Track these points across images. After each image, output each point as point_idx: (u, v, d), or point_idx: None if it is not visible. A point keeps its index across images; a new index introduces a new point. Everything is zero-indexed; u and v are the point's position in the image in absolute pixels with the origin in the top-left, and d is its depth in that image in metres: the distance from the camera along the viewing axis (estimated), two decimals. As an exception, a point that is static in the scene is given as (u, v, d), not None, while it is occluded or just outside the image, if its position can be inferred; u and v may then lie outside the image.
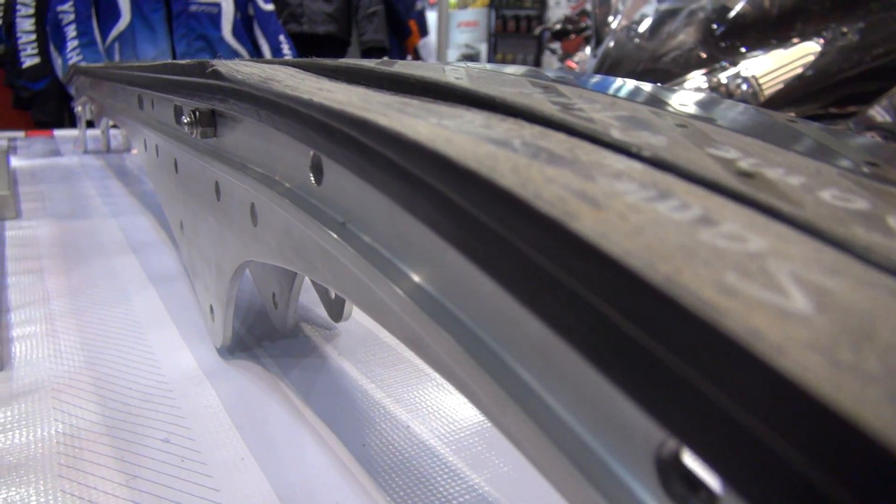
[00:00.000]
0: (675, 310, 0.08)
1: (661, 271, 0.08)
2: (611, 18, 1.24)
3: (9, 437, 0.32)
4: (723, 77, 1.04)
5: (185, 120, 0.33)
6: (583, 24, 4.12)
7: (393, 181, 0.15)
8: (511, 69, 0.24)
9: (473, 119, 0.15)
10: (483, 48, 5.60)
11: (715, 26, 1.05)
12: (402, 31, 2.93)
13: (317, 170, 0.22)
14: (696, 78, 1.05)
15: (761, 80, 1.00)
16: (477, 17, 5.67)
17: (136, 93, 0.56)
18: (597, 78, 0.22)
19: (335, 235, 0.20)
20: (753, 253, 0.09)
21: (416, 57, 3.14)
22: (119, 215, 0.75)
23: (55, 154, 1.19)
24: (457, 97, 0.18)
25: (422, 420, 0.34)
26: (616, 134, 0.14)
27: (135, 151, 1.22)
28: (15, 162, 1.08)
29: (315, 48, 2.58)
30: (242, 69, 0.25)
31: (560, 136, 0.14)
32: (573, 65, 3.49)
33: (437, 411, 0.35)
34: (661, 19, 1.12)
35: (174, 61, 0.33)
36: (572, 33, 4.03)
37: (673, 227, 0.10)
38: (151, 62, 0.49)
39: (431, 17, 3.44)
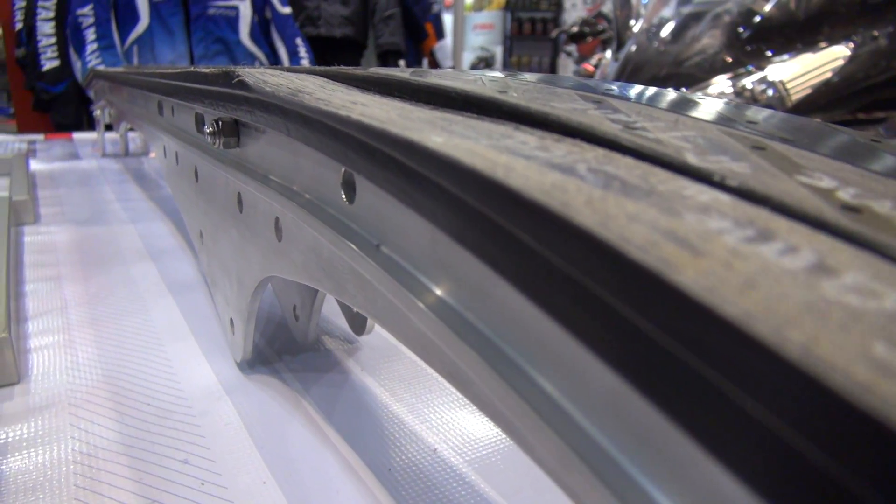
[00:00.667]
0: (820, 396, 0.06)
1: (794, 341, 0.07)
2: (632, 22, 1.22)
3: (24, 457, 0.31)
4: (748, 82, 1.02)
5: (208, 130, 0.32)
6: (600, 27, 4.10)
7: (439, 208, 0.14)
8: (555, 79, 0.23)
9: (527, 140, 0.14)
10: (498, 51, 5.60)
11: (741, 30, 1.02)
12: (418, 34, 2.92)
13: (349, 187, 0.21)
14: (721, 82, 1.03)
15: (788, 85, 0.98)
16: (492, 19, 5.66)
17: (155, 99, 0.55)
18: (650, 91, 0.21)
19: (368, 258, 0.19)
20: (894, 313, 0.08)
21: (432, 60, 3.13)
22: (137, 221, 0.75)
23: (74, 157, 1.19)
24: (502, 113, 0.17)
25: (449, 444, 0.32)
26: (692, 159, 0.12)
27: (152, 155, 1.22)
28: (34, 165, 1.08)
29: (331, 51, 2.58)
30: (270, 79, 0.24)
31: (628, 161, 0.13)
32: (590, 68, 3.47)
33: (465, 434, 0.33)
34: (685, 23, 1.10)
35: (196, 69, 0.32)
36: (589, 36, 4.02)
37: (788, 278, 0.08)
38: (173, 68, 0.48)
39: (447, 19, 3.44)
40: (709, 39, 1.05)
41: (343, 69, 0.26)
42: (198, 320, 0.46)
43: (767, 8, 1.04)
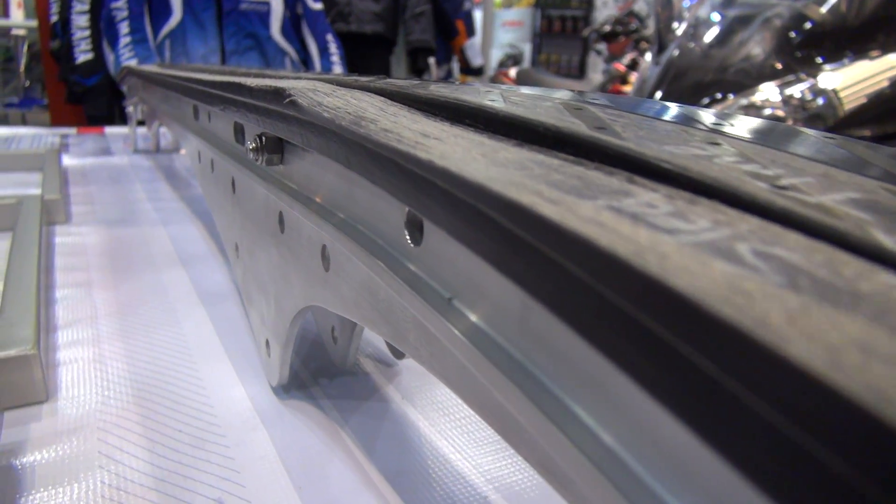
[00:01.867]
0: None
1: None
2: (675, 24, 1.18)
3: (49, 490, 0.29)
4: (797, 90, 0.97)
5: (250, 145, 0.30)
6: (632, 26, 4.04)
7: (547, 281, 0.12)
8: (644, 106, 0.20)
9: (654, 201, 0.12)
10: (527, 48, 5.54)
11: (792, 35, 0.98)
12: (449, 32, 2.89)
13: (414, 228, 0.19)
14: (768, 90, 0.99)
15: (841, 95, 0.94)
16: (522, 16, 5.61)
17: (191, 102, 0.53)
18: (769, 126, 0.18)
19: (438, 313, 0.17)
20: None
21: (462, 57, 3.10)
22: (168, 223, 0.74)
23: (106, 153, 1.19)
24: (607, 157, 0.14)
25: (502, 493, 0.30)
26: (883, 238, 0.10)
27: (183, 152, 1.21)
28: (66, 160, 1.08)
29: (361, 48, 2.57)
30: (326, 101, 0.21)
31: (798, 240, 0.10)
32: (622, 67, 3.42)
33: (519, 484, 0.31)
34: (731, 27, 1.06)
35: (241, 81, 0.30)
36: (621, 35, 3.96)
37: None
38: (211, 73, 0.46)
39: (476, 16, 3.40)
40: (756, 44, 1.01)
41: (403, 89, 0.24)
42: (230, 336, 0.45)
43: (820, 12, 1.00)
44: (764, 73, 0.98)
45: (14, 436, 0.33)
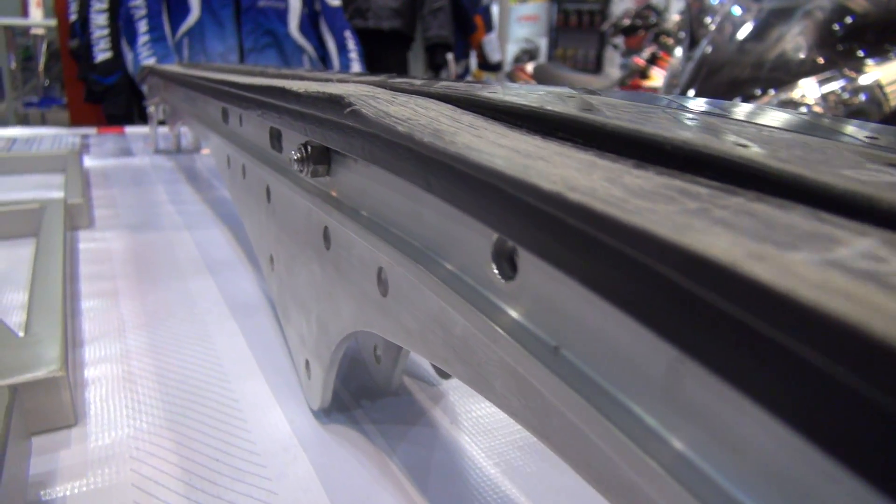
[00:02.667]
0: None
1: None
2: (707, 19, 1.14)
3: (84, 528, 0.27)
4: (838, 85, 0.93)
5: (294, 155, 0.27)
6: (651, 20, 3.99)
7: (735, 353, 0.09)
8: (779, 115, 0.17)
9: (881, 253, 0.09)
10: (543, 43, 5.49)
11: (834, 28, 0.94)
12: (467, 27, 2.86)
13: (504, 260, 0.16)
14: (807, 86, 0.95)
15: (887, 90, 0.90)
16: (537, 11, 5.56)
17: (219, 105, 0.51)
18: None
19: (539, 362, 0.14)
20: None
21: (480, 53, 3.06)
22: (193, 227, 0.72)
23: (126, 153, 1.17)
24: (770, 186, 0.12)
25: (568, 531, 0.27)
26: None
27: (205, 152, 1.20)
28: (88, 161, 1.06)
29: (379, 44, 2.55)
30: (391, 110, 0.19)
31: None
32: (641, 62, 3.36)
33: (583, 516, 0.28)
34: (768, 20, 1.02)
35: (285, 86, 0.27)
36: (641, 29, 3.90)
37: None
38: (243, 75, 0.44)
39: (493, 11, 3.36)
40: (795, 38, 0.97)
41: (470, 93, 0.21)
42: (264, 352, 0.42)
43: (863, 4, 0.96)
44: (804, 69, 0.94)
45: (43, 465, 0.31)
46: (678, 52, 1.27)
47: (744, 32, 1.05)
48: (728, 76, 1.00)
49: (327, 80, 0.30)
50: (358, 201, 0.25)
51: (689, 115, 0.17)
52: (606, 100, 0.20)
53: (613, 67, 4.73)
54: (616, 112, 0.18)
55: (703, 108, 0.18)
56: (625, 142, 0.15)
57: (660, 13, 3.65)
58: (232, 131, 0.48)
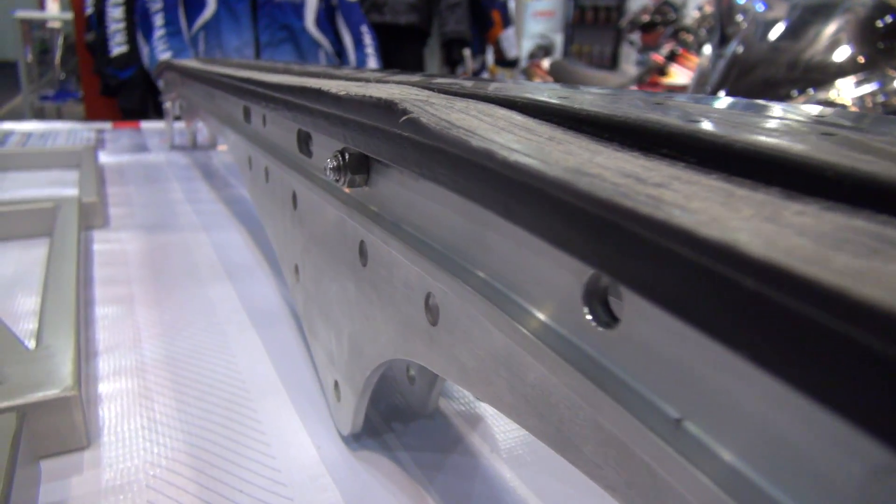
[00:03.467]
0: None
1: None
2: (739, 17, 1.10)
3: (97, 570, 0.25)
4: (879, 85, 0.90)
5: (331, 163, 0.25)
6: (671, 16, 3.93)
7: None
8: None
9: None
10: (558, 39, 5.44)
11: (876, 25, 0.90)
12: (484, 22, 2.83)
13: (598, 302, 0.13)
14: (845, 86, 0.91)
15: (931, 91, 0.86)
16: (553, 6, 5.50)
17: (240, 103, 0.49)
18: None
19: (654, 434, 0.12)
20: None
21: (497, 49, 3.03)
22: (210, 228, 0.69)
23: (142, 149, 1.16)
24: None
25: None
26: None
27: (220, 148, 1.18)
28: (103, 157, 1.05)
29: (395, 39, 2.52)
30: (454, 119, 0.16)
31: None
32: (660, 59, 3.31)
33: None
34: (804, 17, 0.98)
35: (322, 87, 0.25)
36: (660, 25, 3.85)
37: None
38: (268, 73, 0.42)
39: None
40: (834, 37, 0.93)
41: (541, 99, 0.18)
42: (287, 366, 0.40)
43: (905, 0, 0.92)
44: (843, 68, 0.90)
45: (54, 493, 0.29)
46: (706, 49, 1.23)
47: (778, 30, 1.01)
48: (762, 76, 0.96)
49: (364, 81, 0.27)
50: (403, 217, 0.23)
51: (826, 131, 0.14)
52: (699, 107, 0.18)
53: (629, 64, 4.67)
54: (728, 123, 0.15)
55: (842, 121, 0.16)
56: (761, 164, 0.12)
57: (677, 9, 3.60)
58: (254, 131, 0.46)
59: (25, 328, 0.44)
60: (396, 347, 0.24)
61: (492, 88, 0.22)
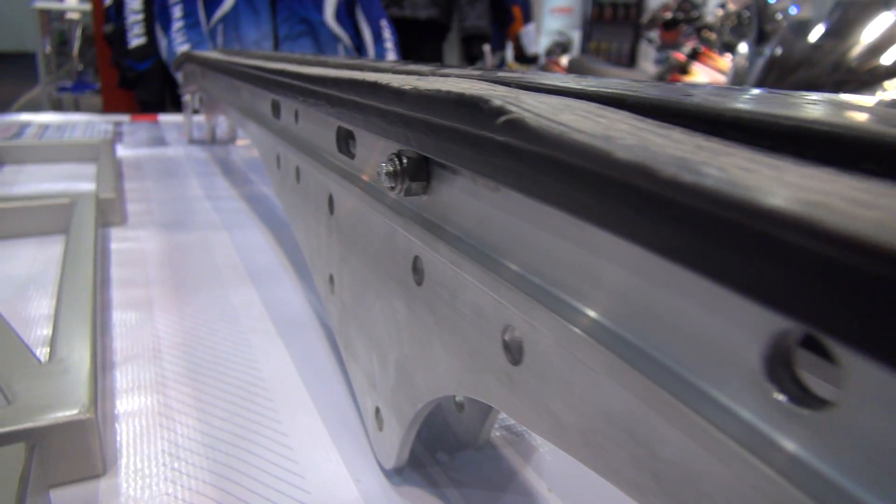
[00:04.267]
0: None
1: None
2: (779, 16, 1.05)
3: None
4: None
5: (385, 167, 0.22)
6: (694, 14, 3.87)
7: None
8: None
9: None
10: (576, 35, 5.39)
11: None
12: (505, 18, 2.79)
13: (785, 372, 0.10)
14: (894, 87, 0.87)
15: None
16: (571, 3, 5.45)
17: (269, 97, 0.45)
18: None
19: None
20: None
21: (517, 45, 2.98)
22: (231, 227, 0.66)
23: (160, 143, 1.13)
24: None
25: None
26: None
27: (240, 143, 1.15)
28: (120, 151, 1.02)
29: (414, 34, 2.49)
30: (568, 121, 0.13)
31: None
32: (681, 56, 3.26)
33: None
34: (849, 16, 0.94)
35: (375, 79, 0.21)
36: (682, 23, 3.79)
37: None
38: (299, 64, 0.38)
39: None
40: (883, 34, 0.88)
41: (657, 97, 0.15)
42: (319, 383, 0.37)
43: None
44: (892, 71, 0.86)
45: (65, 529, 0.26)
46: (742, 48, 1.19)
47: (821, 29, 0.96)
48: (804, 77, 0.92)
49: (418, 74, 0.24)
50: (476, 233, 0.19)
51: None
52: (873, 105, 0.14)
53: (647, 62, 4.60)
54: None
55: None
56: None
57: (697, 6, 3.54)
58: (283, 127, 0.43)
59: (39, 334, 0.41)
60: (461, 383, 0.21)
61: (575, 84, 0.18)
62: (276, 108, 0.45)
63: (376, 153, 0.26)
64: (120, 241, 0.60)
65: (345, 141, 0.31)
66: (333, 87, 0.27)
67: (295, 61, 0.44)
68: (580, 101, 0.16)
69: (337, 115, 0.29)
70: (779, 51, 0.98)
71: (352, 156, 0.29)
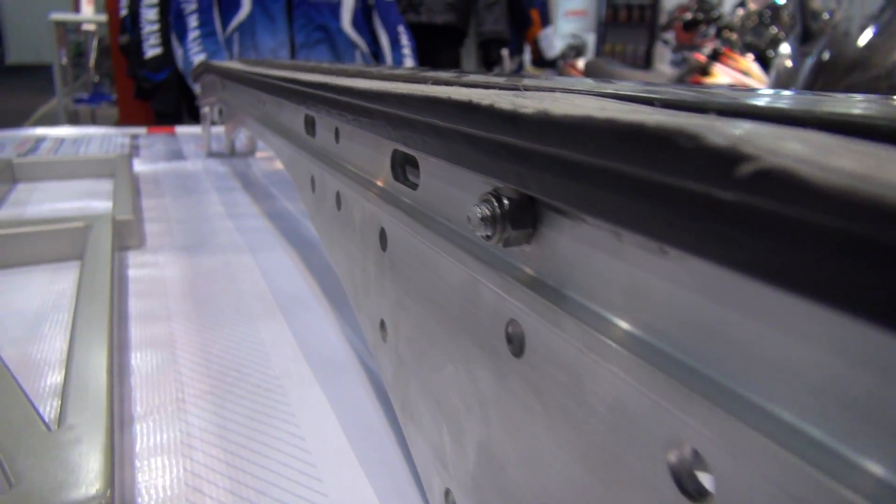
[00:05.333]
0: None
1: None
2: (825, 14, 0.99)
3: None
4: None
5: (480, 212, 0.17)
6: (714, 13, 3.81)
7: None
8: None
9: None
10: (590, 38, 5.33)
11: None
12: (523, 22, 2.74)
13: None
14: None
15: None
16: (585, 5, 5.41)
17: (302, 112, 0.41)
18: None
19: None
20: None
21: (535, 48, 2.94)
22: (255, 249, 0.62)
23: (178, 156, 1.09)
24: None
25: None
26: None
27: (259, 155, 1.11)
28: (137, 165, 0.98)
29: (431, 39, 2.45)
30: (843, 166, 0.08)
31: None
32: (702, 57, 3.19)
33: None
34: (906, 11, 0.88)
35: (468, 97, 0.16)
36: (703, 23, 3.73)
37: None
38: (340, 75, 0.34)
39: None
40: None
41: (798, 108, 0.10)
42: (367, 446, 0.32)
43: None
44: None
45: None
46: (784, 48, 1.13)
47: (871, 30, 0.90)
48: (858, 81, 0.86)
49: (501, 88, 0.19)
50: (615, 306, 0.14)
51: None
52: None
53: (663, 63, 4.54)
54: None
55: None
56: None
57: (713, 6, 3.48)
58: (320, 147, 0.38)
59: (50, 383, 0.37)
60: (585, 499, 0.16)
61: (717, 99, 0.13)
62: (310, 125, 0.40)
63: (452, 187, 0.21)
64: (138, 268, 0.56)
65: (401, 167, 0.26)
66: (394, 104, 0.22)
67: (331, 72, 0.39)
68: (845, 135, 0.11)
69: (395, 136, 0.24)
70: (828, 52, 0.92)
71: (412, 186, 0.25)
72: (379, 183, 0.28)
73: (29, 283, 0.52)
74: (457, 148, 0.18)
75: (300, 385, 0.37)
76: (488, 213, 0.16)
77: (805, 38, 1.01)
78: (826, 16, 0.98)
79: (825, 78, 0.91)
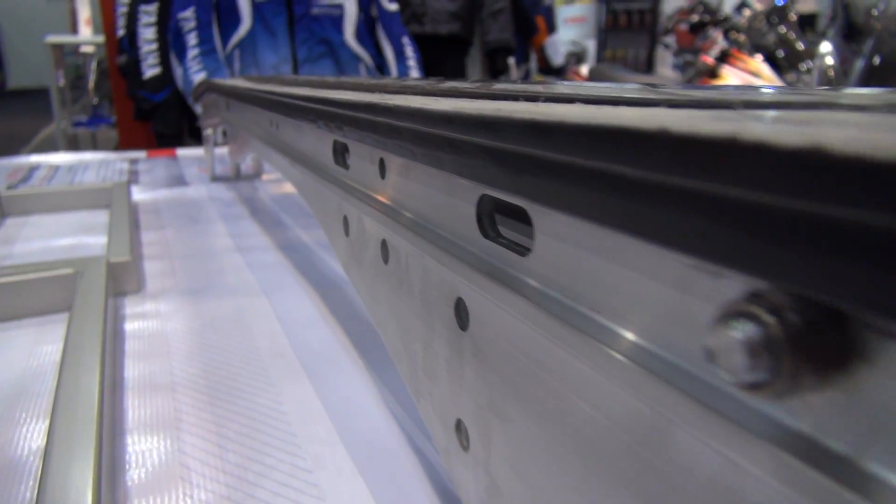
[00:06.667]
0: None
1: None
2: (875, 11, 0.92)
3: None
4: None
5: (740, 331, 0.09)
6: (720, 16, 3.75)
7: None
8: None
9: None
10: (591, 45, 5.29)
11: None
12: (529, 29, 2.67)
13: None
14: None
15: None
16: (584, 12, 5.37)
17: (331, 138, 0.33)
18: None
19: None
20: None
21: (541, 55, 2.87)
22: (270, 289, 0.54)
23: (180, 182, 1.02)
24: None
25: None
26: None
27: (266, 177, 1.04)
28: (136, 193, 0.91)
29: (435, 50, 2.38)
30: None
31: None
32: (710, 60, 3.13)
33: None
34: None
35: (669, 126, 0.09)
36: (709, 25, 3.67)
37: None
38: (380, 91, 0.26)
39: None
40: None
41: None
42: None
43: None
44: None
45: None
46: (824, 46, 1.05)
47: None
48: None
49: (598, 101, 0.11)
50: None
51: None
52: None
53: (665, 67, 4.48)
54: None
55: None
56: None
57: (714, 10, 3.43)
58: (357, 181, 0.30)
59: (29, 469, 0.29)
60: None
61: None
62: (339, 154, 0.32)
63: (570, 247, 0.14)
64: (136, 319, 0.48)
65: (490, 219, 0.19)
66: (483, 132, 0.15)
67: (363, 88, 0.31)
68: None
69: (484, 178, 0.16)
70: (881, 53, 0.84)
71: (520, 251, 0.17)
72: (457, 240, 0.20)
73: (11, 344, 0.44)
74: (607, 200, 0.11)
75: (337, 478, 0.30)
76: (759, 337, 0.09)
77: (850, 36, 0.94)
78: (875, 11, 0.91)
79: (879, 77, 0.84)
